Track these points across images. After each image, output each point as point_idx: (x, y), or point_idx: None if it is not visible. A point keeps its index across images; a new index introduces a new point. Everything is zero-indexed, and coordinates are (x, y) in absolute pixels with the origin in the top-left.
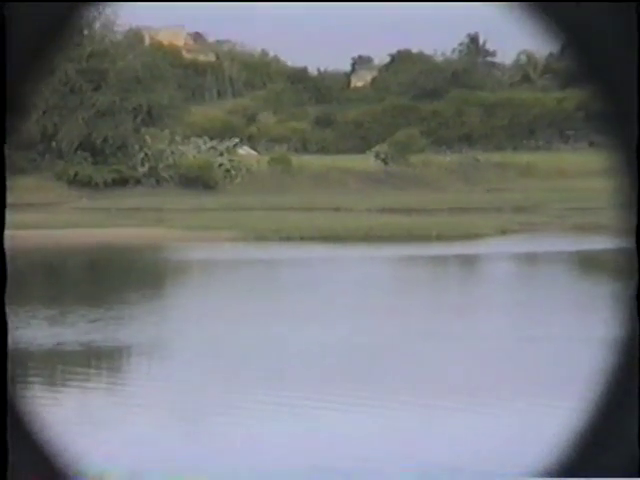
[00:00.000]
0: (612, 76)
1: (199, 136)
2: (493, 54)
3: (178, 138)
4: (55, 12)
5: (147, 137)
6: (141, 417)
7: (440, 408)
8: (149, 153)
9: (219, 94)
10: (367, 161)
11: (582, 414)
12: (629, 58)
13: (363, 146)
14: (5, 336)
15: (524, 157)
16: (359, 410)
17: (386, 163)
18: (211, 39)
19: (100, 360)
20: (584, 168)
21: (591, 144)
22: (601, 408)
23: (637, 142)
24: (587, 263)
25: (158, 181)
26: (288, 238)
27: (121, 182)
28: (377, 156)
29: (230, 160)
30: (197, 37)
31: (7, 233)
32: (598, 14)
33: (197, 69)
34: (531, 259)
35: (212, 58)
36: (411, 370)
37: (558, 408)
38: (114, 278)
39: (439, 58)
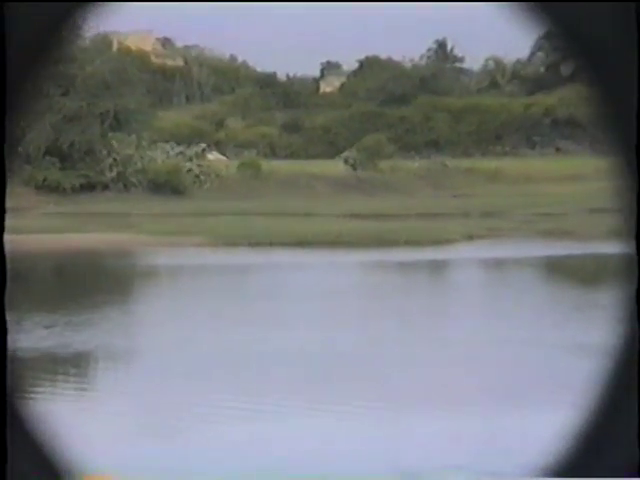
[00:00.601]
0: (612, 76)
1: (167, 141)
2: (461, 60)
3: (145, 143)
4: (55, 12)
5: (114, 142)
6: (104, 423)
7: (407, 412)
8: (117, 158)
9: (187, 99)
10: (336, 166)
11: (575, 416)
12: (629, 58)
13: (332, 151)
14: (5, 337)
15: (492, 163)
16: (321, 414)
17: (355, 169)
18: (179, 44)
19: (57, 366)
20: (551, 174)
21: (558, 150)
22: (600, 409)
23: (637, 142)
24: (554, 268)
25: (126, 186)
26: (257, 243)
27: (89, 187)
28: (346, 161)
29: (199, 165)
30: (165, 42)
31: (7, 233)
32: (598, 14)
33: (165, 74)
34: (498, 264)
35: (180, 63)
36: (378, 375)
37: (523, 410)
38: (81, 284)
39: (407, 64)
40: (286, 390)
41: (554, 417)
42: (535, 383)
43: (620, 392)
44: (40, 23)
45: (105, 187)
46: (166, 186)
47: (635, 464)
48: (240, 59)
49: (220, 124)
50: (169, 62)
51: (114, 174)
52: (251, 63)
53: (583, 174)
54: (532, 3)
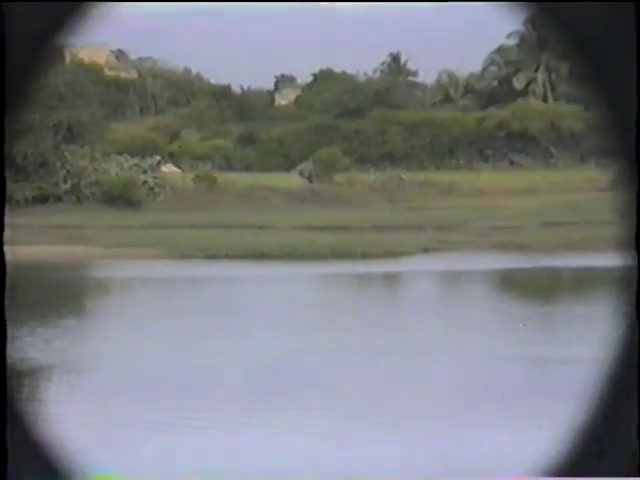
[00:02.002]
0: (612, 76)
1: (120, 153)
2: (415, 74)
3: (100, 155)
4: (55, 12)
5: (68, 154)
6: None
7: (356, 423)
8: (71, 170)
9: (141, 111)
10: (291, 179)
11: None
12: (629, 58)
13: (287, 164)
14: (4, 340)
15: (446, 176)
16: (271, 426)
17: (311, 181)
18: (133, 56)
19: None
20: (504, 187)
21: (511, 163)
22: (600, 410)
23: (637, 142)
24: (507, 281)
25: (79, 198)
26: (212, 256)
27: (42, 199)
28: (302, 174)
29: (154, 178)
30: (119, 54)
31: (6, 233)
32: (598, 14)
33: (119, 86)
34: (453, 277)
35: (134, 75)
36: (330, 386)
37: (473, 420)
38: (33, 296)
39: (361, 78)
40: (236, 402)
41: (503, 427)
42: (486, 394)
43: (620, 392)
44: (40, 23)
45: (58, 199)
46: (120, 198)
47: (635, 464)
48: (194, 71)
49: (175, 136)
50: (123, 74)
51: (68, 186)
52: (205, 75)
53: (536, 187)
54: (532, 3)
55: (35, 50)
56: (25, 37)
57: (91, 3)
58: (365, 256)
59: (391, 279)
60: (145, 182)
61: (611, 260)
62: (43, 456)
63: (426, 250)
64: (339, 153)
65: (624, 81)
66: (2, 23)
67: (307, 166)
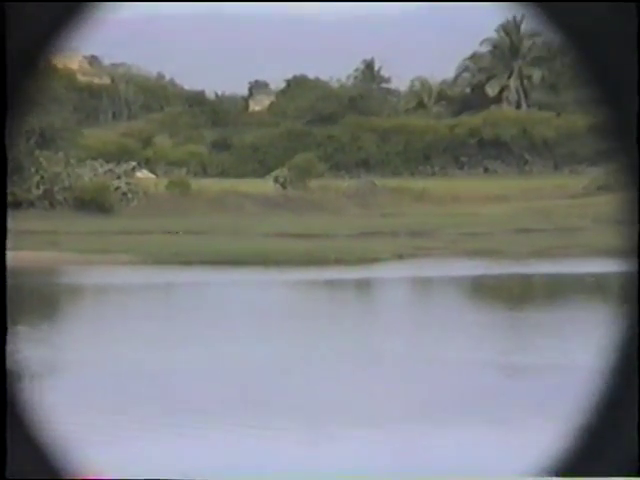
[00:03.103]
0: (612, 77)
1: (94, 159)
2: (388, 80)
3: (73, 161)
4: (55, 12)
5: (42, 160)
6: None
7: (328, 430)
8: (45, 176)
9: (114, 116)
10: (265, 185)
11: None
12: (629, 58)
13: (262, 170)
14: (5, 338)
15: (420, 182)
16: (242, 432)
17: (285, 187)
18: (106, 62)
19: None
20: (478, 194)
21: (486, 170)
22: (600, 409)
23: (637, 143)
24: (480, 288)
25: (52, 204)
26: (185, 262)
27: (15, 205)
28: (276, 180)
29: (127, 183)
30: (92, 60)
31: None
32: (598, 14)
33: (92, 92)
34: (426, 283)
35: (107, 81)
36: (302, 392)
37: (445, 427)
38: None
39: (335, 84)
40: (206, 407)
41: (473, 433)
42: (458, 400)
43: (620, 392)
44: (41, 23)
45: (31, 205)
46: (93, 204)
47: (635, 464)
48: (168, 77)
49: (148, 142)
50: (96, 80)
51: (40, 192)
52: (179, 81)
53: (509, 194)
54: (531, 3)
55: (37, 51)
56: (26, 37)
57: (92, 4)
58: (339, 262)
59: (365, 285)
60: (118, 188)
61: (583, 267)
62: (43, 456)
63: (400, 256)
64: (314, 159)
65: (625, 82)
66: (3, 23)
67: (282, 172)
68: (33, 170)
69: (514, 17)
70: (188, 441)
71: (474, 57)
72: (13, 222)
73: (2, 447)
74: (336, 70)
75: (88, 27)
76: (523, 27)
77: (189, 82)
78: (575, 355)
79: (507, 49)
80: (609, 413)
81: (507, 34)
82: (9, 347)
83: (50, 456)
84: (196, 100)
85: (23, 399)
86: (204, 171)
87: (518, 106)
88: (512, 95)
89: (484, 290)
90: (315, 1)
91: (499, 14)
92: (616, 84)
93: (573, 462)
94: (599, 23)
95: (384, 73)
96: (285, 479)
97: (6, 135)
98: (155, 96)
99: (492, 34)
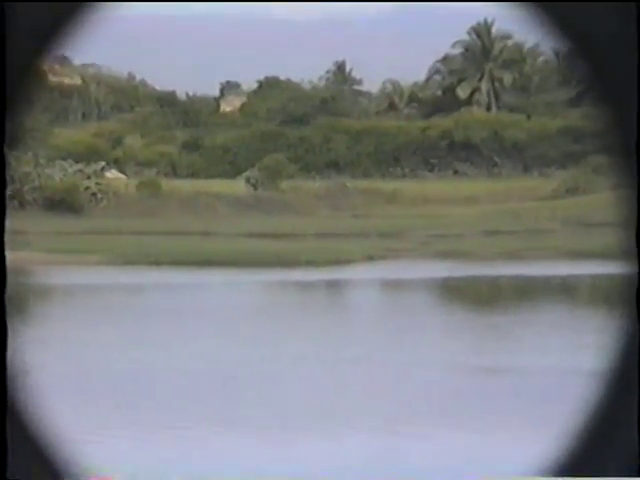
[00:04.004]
0: (612, 77)
1: (64, 159)
2: (360, 82)
3: (43, 161)
4: (55, 12)
5: (12, 160)
6: None
7: (295, 432)
8: (15, 176)
9: (84, 117)
10: (236, 186)
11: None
12: (629, 58)
13: (233, 171)
14: (5, 340)
15: (390, 184)
16: (211, 434)
17: (256, 188)
18: (77, 62)
19: None
20: (448, 196)
21: (455, 172)
22: (600, 409)
23: (637, 144)
24: (449, 289)
25: (22, 204)
26: (156, 263)
27: None
28: (247, 181)
29: (97, 184)
30: (63, 60)
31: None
32: (598, 14)
33: (62, 92)
34: (396, 285)
35: (78, 81)
36: (270, 394)
37: (411, 430)
38: None
39: (306, 85)
40: (175, 408)
41: (439, 437)
42: (427, 402)
43: (620, 392)
44: (41, 23)
45: None
46: (62, 204)
47: (635, 464)
48: (139, 77)
49: (118, 142)
50: (66, 80)
51: (10, 191)
52: (150, 81)
53: (479, 196)
54: (532, 3)
55: (37, 50)
56: (26, 37)
57: (93, 4)
58: (309, 263)
59: (335, 287)
60: (88, 188)
61: (551, 269)
62: (44, 456)
63: (370, 258)
64: (285, 160)
65: (625, 81)
66: (2, 23)
67: (253, 173)
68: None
69: (485, 19)
70: (159, 442)
71: (445, 59)
72: None
73: (3, 447)
74: (308, 71)
75: (84, 28)
76: (494, 29)
77: (160, 82)
78: (546, 357)
79: (478, 51)
80: (608, 413)
81: (479, 36)
82: (9, 347)
83: (50, 457)
84: (167, 100)
85: (23, 400)
86: (175, 172)
87: (488, 108)
88: (483, 97)
89: (454, 292)
90: (295, 1)
91: (471, 16)
92: (616, 84)
93: (573, 462)
94: (599, 23)
95: (355, 75)
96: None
97: (6, 136)
98: (126, 96)
99: (464, 36)
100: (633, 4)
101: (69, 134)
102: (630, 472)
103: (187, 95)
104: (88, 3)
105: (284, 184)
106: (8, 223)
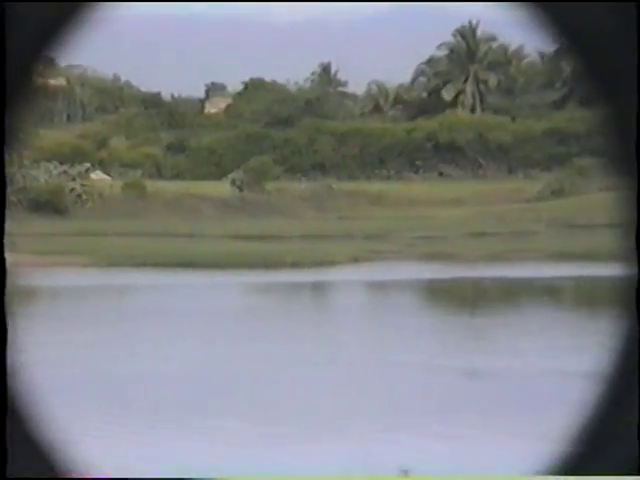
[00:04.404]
0: (612, 77)
1: (49, 160)
2: (345, 84)
3: (28, 162)
4: (55, 12)
5: None
6: None
7: (280, 434)
8: None
9: (68, 118)
10: (222, 187)
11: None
12: (629, 59)
13: (218, 172)
14: (5, 337)
15: (375, 186)
16: (192, 435)
17: (241, 190)
18: (62, 64)
19: None
20: (433, 197)
21: (440, 174)
22: (600, 408)
23: (637, 145)
24: (434, 291)
25: (6, 205)
26: (142, 264)
27: None
28: (233, 183)
29: (82, 185)
30: (48, 62)
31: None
32: (598, 14)
33: (47, 93)
34: (381, 287)
35: (63, 83)
36: (255, 396)
37: (397, 433)
38: None
39: (292, 87)
40: (157, 410)
41: (425, 439)
42: (411, 405)
43: (620, 391)
44: (41, 23)
45: None
46: (47, 205)
47: (635, 464)
48: (124, 79)
49: (103, 143)
50: (51, 81)
51: None
52: (135, 83)
53: (465, 198)
54: (531, 3)
55: (37, 51)
56: (26, 38)
57: (94, 4)
58: (295, 265)
59: (321, 288)
60: (73, 189)
61: (536, 271)
62: (44, 456)
63: (356, 259)
64: (270, 162)
65: (625, 82)
66: (2, 23)
67: (238, 175)
68: None
69: (470, 21)
70: (141, 441)
71: (430, 61)
72: None
73: (2, 446)
74: (293, 73)
75: (90, 27)
76: (479, 31)
77: (145, 84)
78: (529, 358)
79: (463, 53)
80: (608, 413)
81: (464, 38)
82: (9, 348)
83: (50, 455)
84: (152, 102)
85: (23, 398)
86: (160, 173)
87: (473, 110)
88: (468, 99)
89: (438, 293)
90: (292, 0)
91: (456, 18)
92: (616, 84)
93: (573, 461)
94: (599, 23)
95: (341, 77)
96: None
97: (6, 136)
98: (111, 98)
99: (449, 38)
100: (633, 4)
101: (54, 135)
102: (630, 472)
103: (172, 96)
104: (89, 3)
105: (269, 186)
106: None
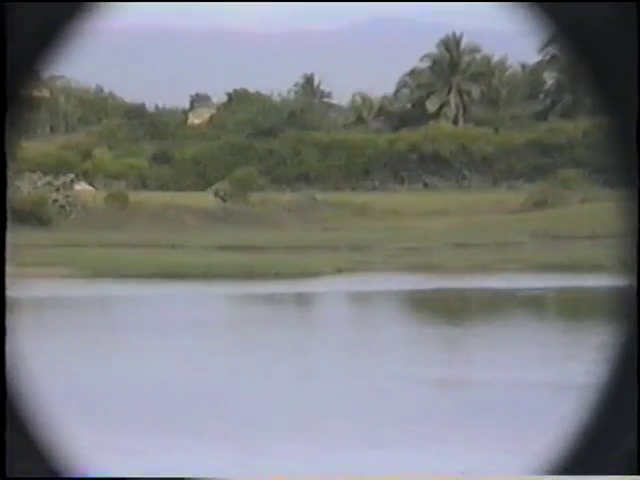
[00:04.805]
0: (611, 77)
1: (32, 171)
2: (329, 95)
3: (11, 173)
4: (56, 12)
5: None
6: None
7: (262, 445)
8: None
9: (52, 129)
10: (206, 198)
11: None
12: (629, 59)
13: (203, 183)
14: (4, 338)
15: (360, 197)
16: (175, 448)
17: (225, 201)
18: (45, 75)
19: None
20: (417, 209)
21: (425, 185)
22: (600, 408)
23: (637, 145)
24: (419, 302)
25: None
26: (125, 275)
27: None
28: (216, 194)
29: (66, 196)
30: (33, 73)
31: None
32: (598, 14)
33: (31, 104)
34: (366, 298)
35: (46, 94)
36: (237, 407)
37: (378, 444)
38: None
39: (276, 98)
40: (137, 422)
41: (409, 451)
42: (394, 417)
43: (620, 391)
44: (41, 23)
45: None
46: (31, 216)
47: (635, 464)
48: (107, 90)
49: (87, 154)
50: (35, 93)
51: None
52: (119, 94)
53: (448, 209)
54: (531, 3)
55: (37, 51)
56: (27, 38)
57: (95, 4)
58: (279, 276)
59: (304, 299)
60: (56, 200)
61: (520, 281)
62: (43, 456)
63: (340, 270)
64: (255, 173)
65: (625, 82)
66: (2, 23)
67: (222, 186)
68: None
69: (454, 33)
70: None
71: (413, 73)
72: None
73: (2, 446)
74: (277, 84)
75: (90, 27)
76: (463, 43)
77: (130, 95)
78: (511, 369)
79: (446, 65)
80: (608, 413)
81: (447, 49)
82: (9, 348)
83: (50, 455)
84: (136, 113)
85: (23, 398)
86: (144, 184)
87: (456, 122)
88: (451, 111)
89: (422, 304)
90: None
91: (439, 30)
92: (616, 85)
93: (572, 461)
94: (599, 23)
95: (325, 88)
96: None
97: (6, 138)
98: (94, 109)
99: (433, 49)
100: (633, 4)
101: (37, 147)
102: (630, 472)
103: (156, 107)
104: (89, 3)
105: (253, 197)
106: None
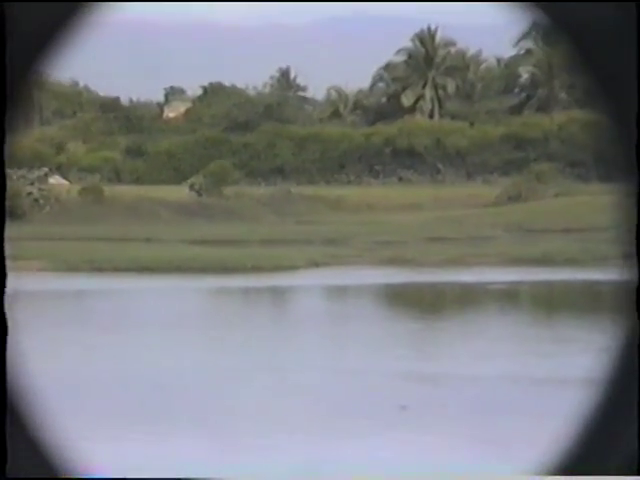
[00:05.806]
0: (611, 77)
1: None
2: (304, 89)
3: None
4: (56, 12)
5: None
6: None
7: (235, 442)
8: None
9: (26, 123)
10: (180, 192)
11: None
12: (629, 59)
13: (177, 177)
14: (5, 337)
15: (335, 191)
16: (155, 443)
17: (200, 194)
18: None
19: None
20: (392, 202)
21: (400, 179)
22: (600, 408)
23: (637, 146)
24: (393, 296)
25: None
26: (99, 269)
27: None
28: (191, 187)
29: (40, 189)
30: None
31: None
32: (598, 14)
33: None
34: (341, 291)
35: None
36: (208, 403)
37: (351, 439)
38: None
39: (251, 91)
40: (112, 418)
41: (381, 446)
42: (368, 410)
43: (620, 391)
44: (42, 23)
45: None
46: None
47: (635, 464)
48: (82, 83)
49: (61, 148)
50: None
51: None
52: (93, 87)
53: (423, 203)
54: (531, 3)
55: (37, 51)
56: (27, 38)
57: (95, 4)
58: (254, 270)
59: (280, 293)
60: (30, 194)
61: (494, 275)
62: (43, 456)
63: (315, 264)
64: (230, 166)
65: (624, 82)
66: (2, 23)
67: (197, 179)
68: None
69: (429, 27)
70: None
71: (389, 67)
72: None
73: (2, 446)
74: (252, 77)
75: (91, 28)
76: (438, 37)
77: (105, 89)
78: (487, 364)
79: (422, 59)
80: (608, 414)
81: (422, 43)
82: (9, 348)
83: (50, 454)
84: (110, 106)
85: (23, 398)
86: (118, 178)
87: (431, 116)
88: (426, 105)
89: (397, 298)
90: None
91: (414, 24)
92: (616, 84)
93: (572, 461)
94: (599, 23)
95: (300, 81)
96: None
97: (6, 138)
98: (69, 102)
99: (407, 43)
100: (633, 4)
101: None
102: (630, 472)
103: (131, 101)
104: (90, 3)
105: (228, 190)
106: None
